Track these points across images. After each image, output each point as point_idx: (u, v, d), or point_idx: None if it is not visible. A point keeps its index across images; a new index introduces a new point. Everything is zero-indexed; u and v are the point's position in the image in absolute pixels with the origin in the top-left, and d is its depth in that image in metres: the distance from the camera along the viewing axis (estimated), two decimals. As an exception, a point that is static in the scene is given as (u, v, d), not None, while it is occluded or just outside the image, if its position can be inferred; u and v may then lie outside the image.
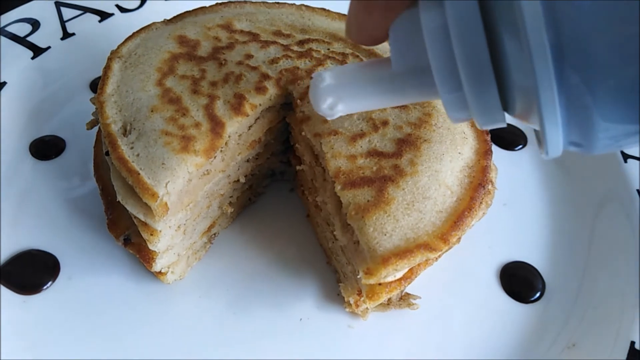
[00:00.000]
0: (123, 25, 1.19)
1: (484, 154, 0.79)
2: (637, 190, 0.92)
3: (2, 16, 1.12)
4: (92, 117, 0.85)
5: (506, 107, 0.43)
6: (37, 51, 1.09)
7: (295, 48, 0.89)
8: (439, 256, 0.76)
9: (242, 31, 0.92)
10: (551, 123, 0.38)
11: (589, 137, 0.39)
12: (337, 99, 0.52)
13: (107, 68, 0.82)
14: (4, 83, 1.02)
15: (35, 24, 1.14)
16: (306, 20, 0.98)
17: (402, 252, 0.66)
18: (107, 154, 0.74)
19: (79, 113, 1.04)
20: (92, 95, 1.09)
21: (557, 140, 0.40)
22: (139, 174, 0.69)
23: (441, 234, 0.68)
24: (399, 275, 0.71)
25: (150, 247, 0.72)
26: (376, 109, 0.68)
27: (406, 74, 0.49)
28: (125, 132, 0.74)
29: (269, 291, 0.83)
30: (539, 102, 0.37)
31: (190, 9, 1.17)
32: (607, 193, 0.95)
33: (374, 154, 0.75)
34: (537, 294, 0.85)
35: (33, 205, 0.90)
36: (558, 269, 0.88)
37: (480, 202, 0.78)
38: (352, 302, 0.75)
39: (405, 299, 0.80)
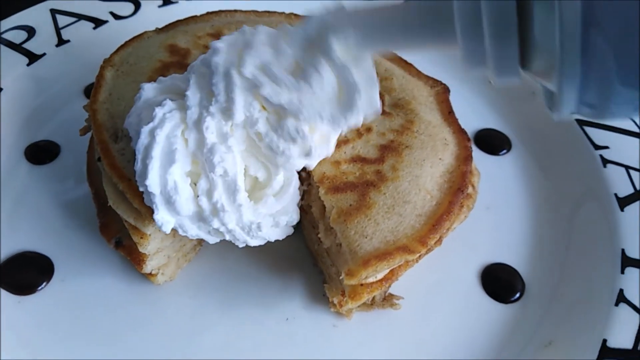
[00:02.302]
0: (117, 32, 1.21)
1: (464, 160, 0.82)
2: (615, 194, 0.95)
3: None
4: (86, 124, 0.88)
5: (523, 63, 0.44)
6: (32, 58, 1.11)
7: (283, 56, 0.92)
8: (419, 258, 0.78)
9: (231, 40, 0.95)
10: (570, 84, 0.39)
11: (605, 99, 0.40)
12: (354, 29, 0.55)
13: (100, 76, 0.85)
14: (0, 89, 1.04)
15: (30, 31, 1.16)
16: (295, 28, 1.00)
17: (381, 254, 0.69)
18: (99, 160, 0.77)
19: (73, 118, 1.06)
20: (86, 101, 1.12)
21: (572, 100, 0.41)
22: (129, 180, 0.71)
23: (420, 236, 0.71)
24: (380, 276, 0.74)
25: (141, 249, 0.74)
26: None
27: (426, 15, 0.50)
28: (116, 139, 0.77)
29: (257, 292, 0.85)
30: (561, 62, 0.38)
31: (183, 15, 1.21)
32: (585, 197, 0.98)
33: (357, 159, 0.78)
34: (517, 295, 0.88)
35: (28, 209, 0.92)
36: (537, 270, 0.91)
37: (461, 206, 0.81)
38: (336, 302, 0.78)
39: (388, 300, 0.83)
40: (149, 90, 0.72)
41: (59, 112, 1.08)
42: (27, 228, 0.89)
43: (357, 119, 0.66)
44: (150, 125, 0.66)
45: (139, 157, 0.67)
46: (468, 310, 0.85)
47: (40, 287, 0.82)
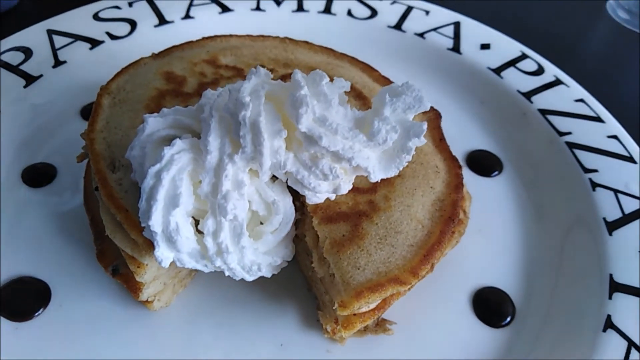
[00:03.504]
0: (113, 52, 1.23)
1: (455, 188, 0.84)
2: (603, 218, 0.97)
3: (-4, 45, 1.16)
4: (82, 150, 0.89)
5: None
6: (29, 79, 1.12)
7: (278, 83, 0.93)
8: (411, 287, 0.80)
9: (227, 66, 0.96)
10: None
11: None
12: None
13: (97, 104, 0.86)
14: (-3, 112, 1.05)
15: (27, 52, 1.17)
16: (289, 54, 1.02)
17: (373, 286, 0.70)
18: (96, 189, 0.78)
19: (69, 140, 1.07)
20: (83, 122, 1.13)
21: None
22: (127, 211, 0.73)
23: (411, 267, 0.73)
24: (372, 305, 0.75)
25: (137, 278, 0.75)
26: None
27: None
28: (114, 169, 0.78)
29: (252, 317, 0.86)
30: None
31: (179, 35, 1.22)
32: (575, 220, 1.00)
33: (350, 189, 0.79)
34: (508, 319, 0.89)
35: (25, 232, 0.93)
36: (528, 294, 0.92)
37: (452, 233, 0.83)
38: (329, 329, 0.79)
39: (381, 325, 0.84)
40: (152, 123, 0.73)
41: (55, 134, 1.09)
42: (24, 252, 0.90)
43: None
44: (157, 166, 0.68)
45: (143, 196, 0.69)
46: (460, 335, 0.87)
47: (37, 313, 0.83)
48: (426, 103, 0.71)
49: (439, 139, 0.91)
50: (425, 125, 0.70)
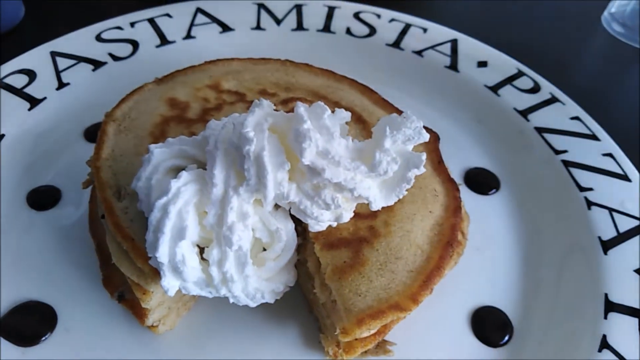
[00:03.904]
0: (116, 73, 1.25)
1: (454, 212, 0.86)
2: (599, 237, 0.99)
3: (0, 67, 1.17)
4: (88, 177, 0.91)
5: None
6: (33, 102, 1.14)
7: (280, 108, 0.95)
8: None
9: (229, 91, 0.98)
10: None
11: None
12: None
13: (102, 132, 0.88)
14: (3, 135, 1.07)
15: (31, 75, 1.19)
16: (290, 77, 1.04)
17: (374, 313, 0.72)
18: (102, 217, 0.80)
19: (73, 162, 1.09)
20: (87, 143, 1.15)
21: None
22: (133, 240, 0.74)
23: (411, 294, 0.74)
24: (373, 331, 0.77)
25: (143, 305, 0.77)
26: None
27: None
28: (119, 197, 0.80)
29: (255, 338, 0.88)
30: None
31: (181, 55, 1.24)
32: (570, 239, 1.01)
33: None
34: (506, 338, 0.91)
35: (31, 256, 0.94)
36: (525, 313, 0.94)
37: (451, 255, 0.85)
38: (331, 353, 0.81)
39: (381, 346, 0.85)
40: (158, 155, 0.75)
41: (59, 157, 1.10)
42: (29, 276, 0.92)
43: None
44: (164, 199, 0.70)
45: (150, 228, 0.70)
46: (459, 354, 0.88)
47: (44, 338, 0.84)
48: (425, 135, 0.73)
49: (437, 161, 0.93)
50: (424, 156, 0.72)
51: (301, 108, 0.72)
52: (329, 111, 0.73)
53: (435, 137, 0.97)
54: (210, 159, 0.73)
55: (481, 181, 1.15)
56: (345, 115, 0.75)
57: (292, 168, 0.72)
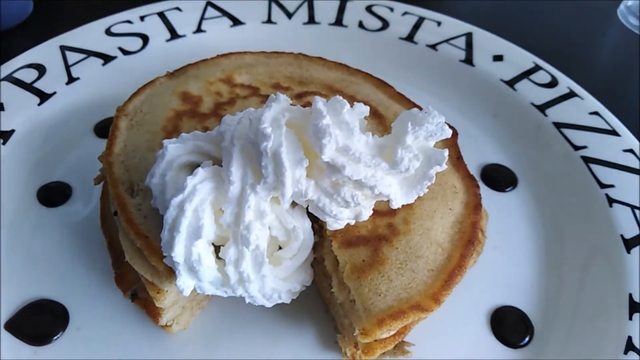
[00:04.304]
0: (126, 68, 1.23)
1: (474, 209, 0.83)
2: (621, 235, 0.96)
3: (9, 62, 1.15)
4: (99, 172, 0.89)
5: None
6: (43, 97, 1.12)
7: (294, 102, 0.93)
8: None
9: (242, 85, 0.96)
10: None
11: None
12: None
13: (114, 127, 0.86)
14: (13, 131, 1.05)
15: (41, 69, 1.17)
16: (304, 71, 1.02)
17: (395, 313, 0.70)
18: (115, 213, 0.78)
19: (84, 158, 1.08)
20: (97, 139, 1.13)
21: None
22: (147, 237, 0.73)
23: (432, 293, 0.72)
24: (393, 331, 0.75)
25: (157, 304, 0.75)
26: None
27: None
28: (132, 193, 0.78)
29: (270, 338, 0.86)
30: None
31: (191, 49, 1.22)
32: (591, 238, 0.99)
33: (369, 212, 0.79)
34: (526, 340, 0.88)
35: (42, 254, 0.93)
36: (547, 313, 0.91)
37: (471, 256, 0.82)
38: (348, 353, 0.79)
39: (399, 347, 0.83)
40: (172, 150, 0.73)
41: (69, 152, 1.09)
42: (40, 274, 0.90)
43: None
44: (180, 197, 0.68)
45: (166, 227, 0.69)
46: (478, 355, 0.86)
47: (56, 337, 0.83)
48: (448, 131, 0.70)
49: (456, 157, 0.90)
50: (446, 153, 0.70)
51: (319, 103, 0.70)
52: (348, 106, 0.71)
53: (453, 133, 0.94)
54: (226, 155, 0.71)
55: (498, 178, 1.13)
56: (364, 109, 0.73)
57: (310, 165, 0.70)
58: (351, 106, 0.72)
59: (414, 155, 0.70)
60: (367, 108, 0.73)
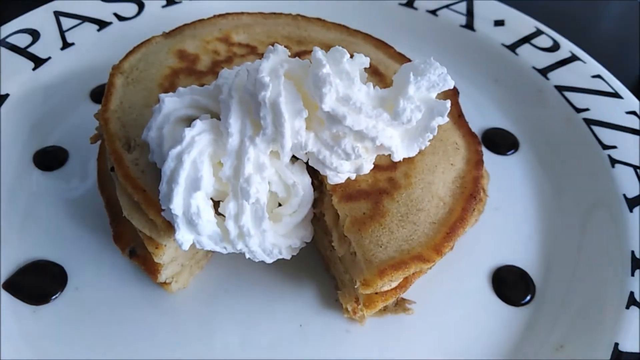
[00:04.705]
0: (121, 34, 1.20)
1: (476, 165, 0.82)
2: (623, 194, 0.95)
3: (3, 27, 1.13)
4: (96, 131, 0.88)
5: None
6: (37, 62, 1.11)
7: (292, 61, 0.92)
8: (432, 265, 0.79)
9: (240, 44, 0.94)
10: None
11: None
12: None
13: (110, 84, 0.85)
14: (7, 95, 1.04)
15: (35, 34, 1.15)
16: (302, 31, 1.00)
17: (397, 264, 0.69)
18: (112, 169, 0.77)
19: (80, 123, 1.06)
20: (93, 104, 1.12)
21: None
22: (144, 191, 0.71)
23: (434, 245, 0.71)
24: (394, 284, 0.74)
25: (156, 260, 0.74)
26: None
27: None
28: (129, 149, 0.77)
29: (270, 298, 0.86)
30: None
31: (188, 15, 1.19)
32: (594, 197, 0.98)
33: (369, 167, 0.78)
34: (528, 298, 0.88)
35: (39, 216, 0.92)
36: (548, 272, 0.91)
37: (474, 209, 0.82)
38: (350, 309, 0.78)
39: (400, 304, 0.83)
40: (169, 103, 0.72)
41: (65, 117, 1.08)
42: (38, 236, 0.89)
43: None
44: (178, 148, 0.67)
45: (164, 179, 0.67)
46: (480, 314, 0.86)
47: (54, 297, 0.82)
48: (450, 81, 0.69)
49: (457, 115, 0.89)
50: (448, 104, 0.69)
51: (319, 52, 0.69)
52: (348, 55, 0.70)
53: (454, 91, 0.93)
54: (224, 108, 0.70)
55: (499, 141, 1.12)
56: (364, 60, 0.72)
57: (309, 117, 0.69)
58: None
59: (415, 106, 0.69)
60: (368, 59, 0.72)
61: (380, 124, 0.69)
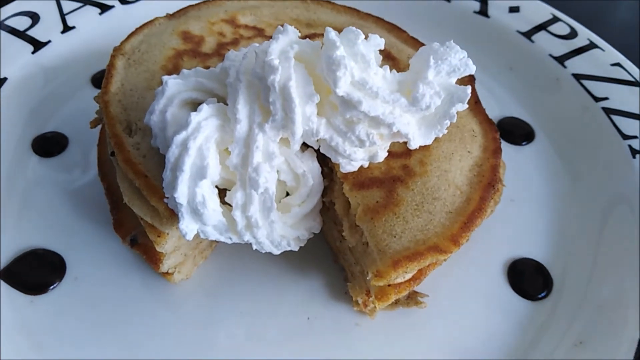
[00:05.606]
0: (124, 18, 1.17)
1: (493, 152, 0.79)
2: (645, 186, 0.91)
3: (2, 9, 1.10)
4: (96, 115, 0.84)
5: None
6: (37, 45, 1.07)
7: (301, 44, 0.88)
8: (449, 256, 0.75)
9: (246, 26, 0.91)
10: None
11: None
12: None
13: (111, 66, 0.81)
14: (5, 79, 1.00)
15: (34, 17, 1.12)
16: (311, 13, 0.96)
17: (412, 255, 0.65)
18: (112, 154, 0.74)
19: (80, 109, 1.03)
20: (94, 90, 1.09)
21: None
22: (146, 176, 0.68)
23: (451, 235, 0.68)
24: (408, 276, 0.71)
25: (158, 248, 0.71)
26: None
27: None
28: (130, 133, 0.73)
29: (276, 290, 0.82)
30: None
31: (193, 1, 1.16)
32: (613, 189, 0.94)
33: (382, 153, 0.74)
34: (544, 292, 0.84)
35: (37, 203, 0.89)
36: (566, 266, 0.87)
37: (492, 198, 0.78)
38: (360, 302, 0.75)
39: (413, 298, 0.80)
40: (173, 86, 0.68)
41: (65, 102, 1.05)
42: (37, 224, 0.86)
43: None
44: (183, 134, 0.63)
45: (168, 166, 0.64)
46: (495, 308, 0.82)
47: (52, 287, 0.79)
48: (472, 66, 0.65)
49: (474, 101, 0.85)
50: (469, 90, 0.65)
51: (332, 33, 0.65)
52: (363, 36, 0.66)
53: (470, 77, 0.89)
54: (232, 92, 0.66)
55: (515, 131, 1.08)
56: (379, 41, 0.68)
57: (321, 102, 0.65)
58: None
59: (435, 91, 0.65)
60: (383, 40, 0.68)
61: (397, 110, 0.65)
